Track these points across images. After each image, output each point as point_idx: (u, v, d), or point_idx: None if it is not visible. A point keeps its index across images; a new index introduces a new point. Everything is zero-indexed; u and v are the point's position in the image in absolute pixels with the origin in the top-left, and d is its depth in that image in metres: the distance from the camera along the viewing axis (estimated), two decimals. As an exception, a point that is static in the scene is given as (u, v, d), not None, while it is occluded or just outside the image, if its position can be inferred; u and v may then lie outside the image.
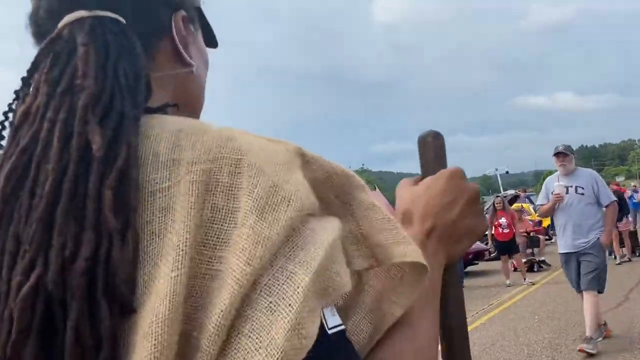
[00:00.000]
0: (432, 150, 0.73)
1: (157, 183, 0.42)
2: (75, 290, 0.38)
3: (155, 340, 0.36)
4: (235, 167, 0.43)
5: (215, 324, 0.38)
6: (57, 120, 0.43)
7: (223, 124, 0.48)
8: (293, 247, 0.42)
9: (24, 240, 0.40)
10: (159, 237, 0.40)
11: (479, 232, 0.68)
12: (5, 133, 0.50)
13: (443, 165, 0.72)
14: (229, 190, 0.42)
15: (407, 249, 0.53)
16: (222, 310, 0.38)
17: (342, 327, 0.46)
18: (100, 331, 0.37)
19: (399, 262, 0.53)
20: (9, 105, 0.50)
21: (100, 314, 0.37)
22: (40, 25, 0.55)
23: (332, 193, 0.50)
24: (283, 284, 0.40)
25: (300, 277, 0.40)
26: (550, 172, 6.63)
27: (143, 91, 0.48)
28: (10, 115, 0.50)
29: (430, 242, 0.63)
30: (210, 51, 0.69)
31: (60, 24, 0.50)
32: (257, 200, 0.42)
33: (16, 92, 0.50)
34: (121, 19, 0.51)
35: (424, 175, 0.71)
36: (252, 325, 0.38)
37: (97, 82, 0.45)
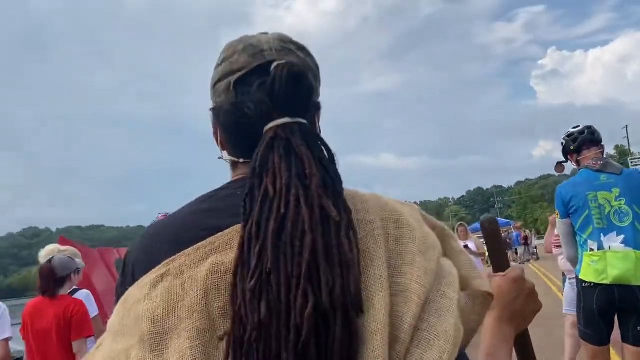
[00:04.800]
0: (490, 233, 1.09)
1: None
2: (339, 308, 0.57)
3: (381, 335, 0.58)
4: (397, 224, 0.70)
5: (409, 323, 0.61)
6: (300, 196, 0.62)
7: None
8: (440, 276, 0.68)
9: (293, 275, 0.58)
10: (365, 269, 0.63)
11: (537, 311, 1.01)
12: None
13: (501, 243, 1.08)
14: (396, 239, 0.68)
15: (482, 282, 0.80)
16: (413, 315, 0.61)
17: None
18: (352, 330, 0.57)
19: (477, 290, 0.78)
20: (250, 179, 0.66)
21: (352, 319, 0.58)
22: (243, 123, 0.76)
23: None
24: (441, 298, 0.65)
25: (451, 294, 0.66)
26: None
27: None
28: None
29: (501, 324, 0.94)
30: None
31: (271, 125, 0.68)
32: (418, 246, 0.68)
33: (253, 171, 0.66)
34: (306, 122, 0.70)
35: (490, 256, 1.06)
36: (427, 324, 0.62)
37: (319, 171, 0.64)
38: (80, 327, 3.35)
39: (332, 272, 0.58)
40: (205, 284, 0.63)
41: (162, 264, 0.67)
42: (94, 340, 3.41)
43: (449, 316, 0.63)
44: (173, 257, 0.67)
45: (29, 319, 3.43)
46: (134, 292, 0.68)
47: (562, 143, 3.57)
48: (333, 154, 0.69)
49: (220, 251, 0.66)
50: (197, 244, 0.67)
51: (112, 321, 0.70)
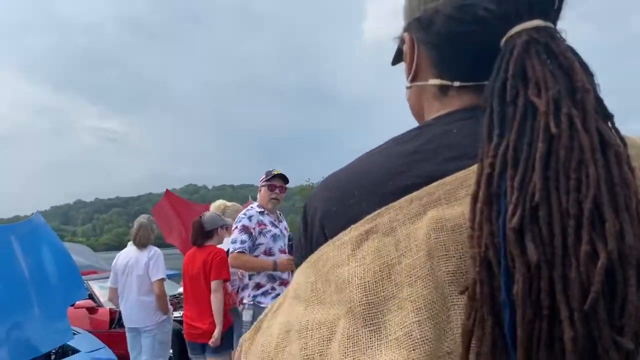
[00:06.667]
0: None
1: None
2: (632, 264, 0.45)
3: None
4: None
5: None
6: (573, 115, 0.48)
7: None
8: None
9: (569, 214, 0.46)
10: None
11: None
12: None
13: None
14: None
15: None
16: None
17: None
18: None
19: None
20: (499, 88, 0.53)
21: None
22: (470, 30, 0.61)
23: None
24: None
25: None
26: None
27: None
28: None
29: None
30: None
31: (519, 28, 0.54)
32: None
33: (503, 82, 0.53)
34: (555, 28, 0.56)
35: None
36: None
37: (592, 85, 0.50)
38: (218, 270, 3.72)
39: (619, 216, 0.46)
40: (428, 243, 0.52)
41: (365, 219, 0.57)
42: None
43: None
44: (379, 211, 0.57)
45: (186, 266, 3.95)
46: (329, 252, 0.59)
47: None
48: (593, 74, 0.53)
49: (441, 203, 0.54)
50: (410, 195, 0.56)
51: (298, 285, 0.62)
